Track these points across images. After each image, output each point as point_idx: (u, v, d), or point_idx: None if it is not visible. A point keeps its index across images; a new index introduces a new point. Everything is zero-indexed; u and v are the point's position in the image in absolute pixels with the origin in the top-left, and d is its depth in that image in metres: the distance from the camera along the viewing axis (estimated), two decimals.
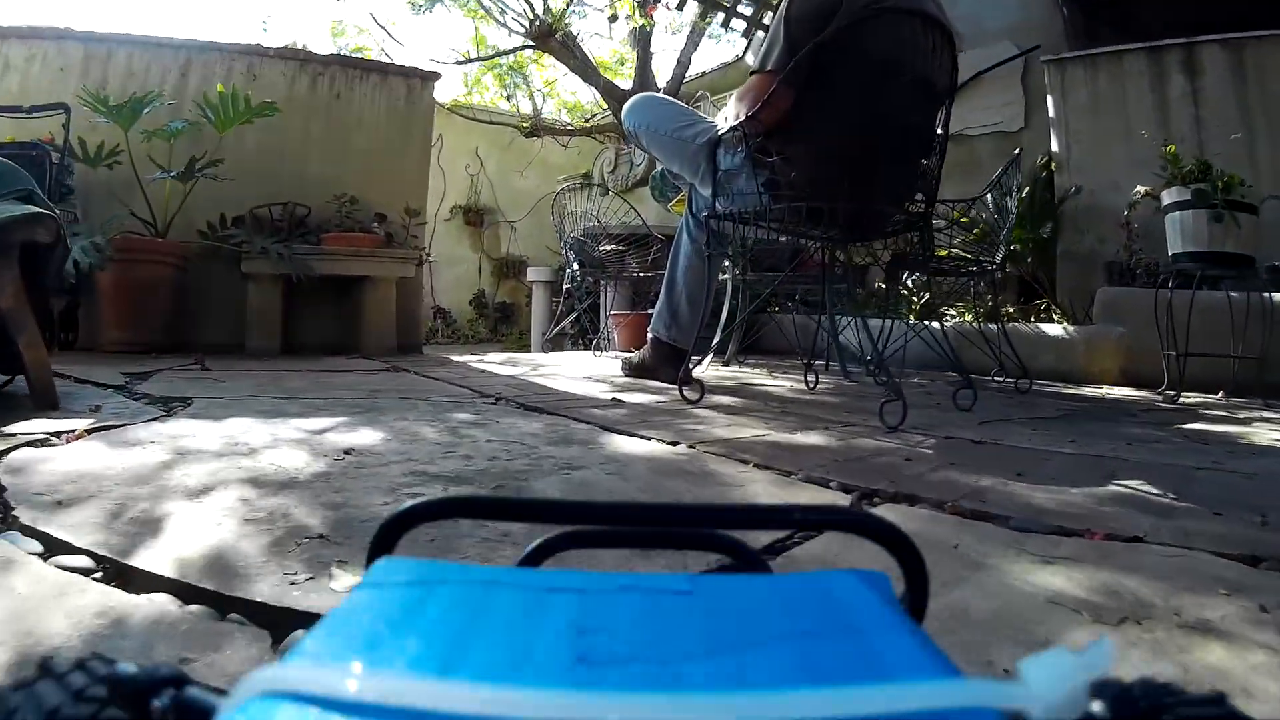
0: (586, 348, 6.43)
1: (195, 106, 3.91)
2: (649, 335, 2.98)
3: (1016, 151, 3.75)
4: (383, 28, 9.41)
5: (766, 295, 3.83)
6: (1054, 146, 5.10)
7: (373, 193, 4.47)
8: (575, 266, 4.72)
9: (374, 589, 0.26)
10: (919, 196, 2.52)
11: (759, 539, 0.92)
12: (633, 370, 3.07)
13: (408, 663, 0.20)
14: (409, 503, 0.30)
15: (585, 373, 3.33)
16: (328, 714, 0.18)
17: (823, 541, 0.98)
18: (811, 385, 3.01)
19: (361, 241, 4.09)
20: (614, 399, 2.36)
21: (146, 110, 3.71)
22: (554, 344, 5.30)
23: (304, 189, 4.34)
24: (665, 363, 2.90)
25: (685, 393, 2.37)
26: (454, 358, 4.07)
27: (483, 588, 0.26)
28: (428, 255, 4.52)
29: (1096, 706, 0.19)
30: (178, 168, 3.75)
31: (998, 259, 3.61)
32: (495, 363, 3.79)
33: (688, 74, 8.59)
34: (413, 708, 0.18)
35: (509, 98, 9.86)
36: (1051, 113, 5.13)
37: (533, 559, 0.34)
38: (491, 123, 9.78)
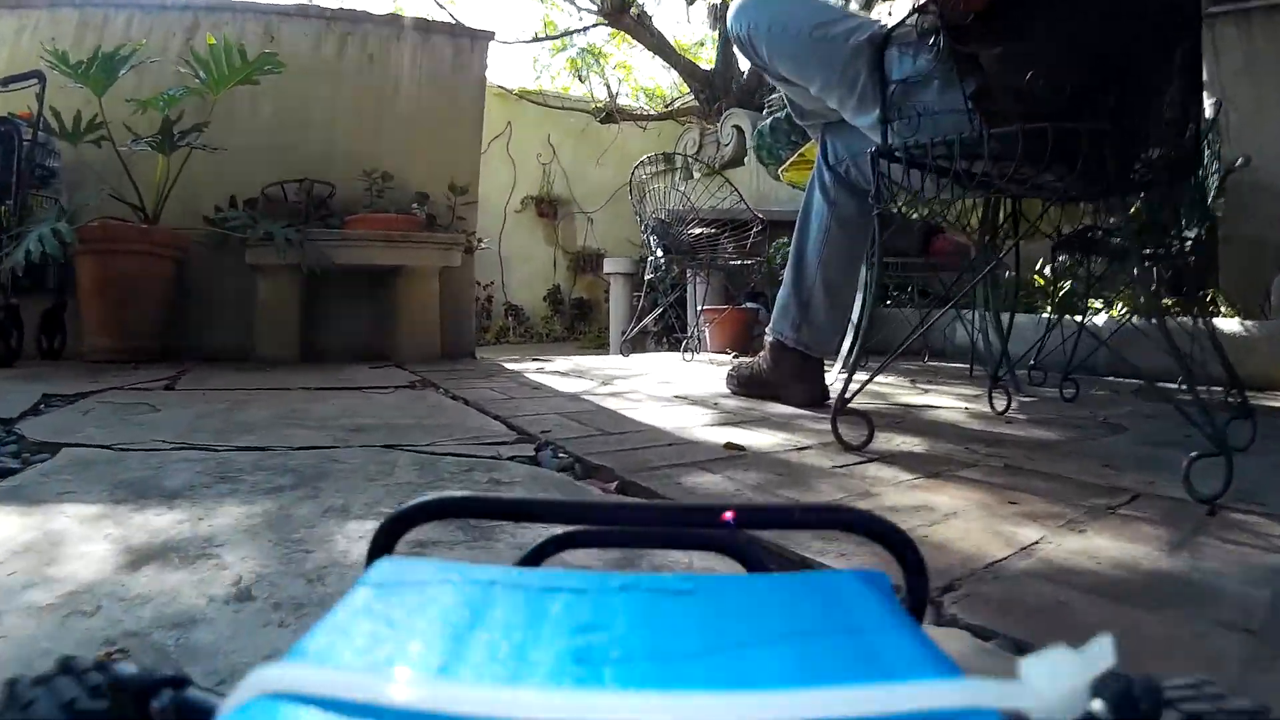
0: (672, 348, 5.58)
1: (185, 65, 3.18)
2: (767, 338, 2.08)
3: (1214, 102, 2.75)
4: (442, 7, 8.69)
5: (969, 288, 2.88)
6: (1208, 115, 4.16)
7: (414, 169, 3.70)
8: (659, 253, 3.83)
9: (374, 589, 0.25)
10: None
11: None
12: (743, 385, 2.18)
13: (408, 662, 0.20)
14: (409, 502, 0.30)
15: (675, 387, 2.45)
16: (328, 714, 0.17)
17: None
18: (1001, 410, 2.05)
19: (394, 224, 3.30)
20: (728, 445, 1.44)
21: (124, 70, 2.99)
22: (634, 344, 4.43)
23: (331, 166, 3.60)
24: (793, 377, 2.00)
25: (841, 432, 1.47)
26: (510, 365, 3.24)
27: (483, 587, 0.25)
28: (480, 241, 3.70)
29: (1097, 706, 0.19)
30: (170, 139, 3.03)
31: (1190, 236, 2.64)
32: (559, 372, 2.95)
33: None
34: (413, 708, 0.17)
35: (581, 77, 9.13)
36: (1204, 76, 4.11)
37: (533, 559, 0.34)
38: (564, 108, 9.08)
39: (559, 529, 0.33)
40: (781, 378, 2.01)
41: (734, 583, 0.27)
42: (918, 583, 0.29)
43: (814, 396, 1.96)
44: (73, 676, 0.21)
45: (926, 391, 2.54)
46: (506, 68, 24.72)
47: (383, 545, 0.30)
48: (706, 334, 4.23)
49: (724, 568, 0.33)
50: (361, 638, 0.21)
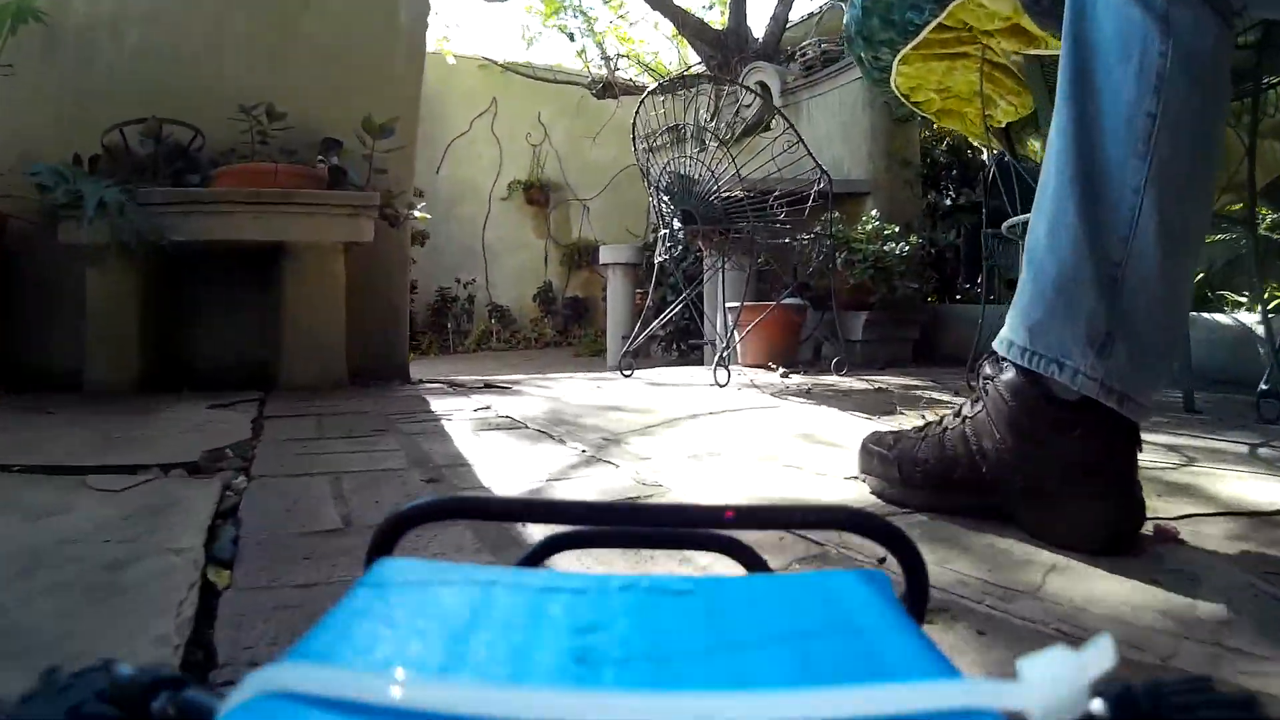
0: (683, 356, 4.44)
1: None
2: (1001, 377, 0.91)
3: None
4: None
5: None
6: None
7: (327, 110, 2.60)
8: (675, 224, 2.70)
9: (373, 589, 0.25)
10: None
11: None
12: (919, 488, 0.98)
13: (407, 663, 0.20)
14: (409, 503, 0.29)
15: (738, 472, 1.32)
16: (328, 714, 0.17)
17: None
18: None
19: (270, 179, 2.17)
20: None
21: None
22: (638, 355, 3.27)
23: (218, 109, 2.46)
24: (1075, 473, 0.82)
25: None
26: (440, 404, 2.05)
27: (482, 588, 0.25)
28: (411, 208, 2.54)
29: (1097, 706, 0.18)
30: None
31: None
32: (511, 422, 1.80)
33: (790, 15, 6.76)
34: (413, 708, 0.17)
35: (571, 36, 8.06)
36: None
37: (533, 559, 0.33)
38: (556, 81, 7.99)
39: (559, 528, 0.32)
40: (1031, 472, 0.84)
41: (734, 583, 0.26)
42: (918, 583, 0.28)
43: (1126, 522, 0.81)
44: (53, 694, 0.19)
45: (1194, 462, 1.38)
46: (493, 39, 23.38)
47: (381, 546, 0.29)
48: (738, 344, 3.11)
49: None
50: (361, 638, 0.21)
